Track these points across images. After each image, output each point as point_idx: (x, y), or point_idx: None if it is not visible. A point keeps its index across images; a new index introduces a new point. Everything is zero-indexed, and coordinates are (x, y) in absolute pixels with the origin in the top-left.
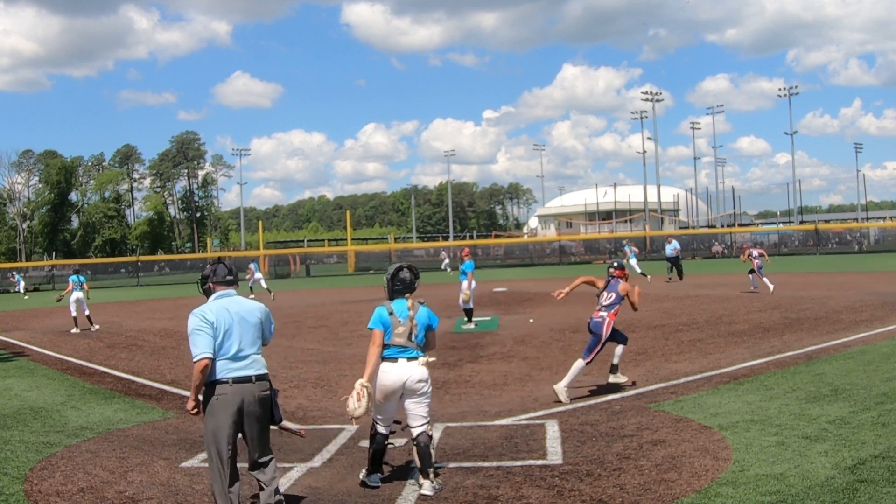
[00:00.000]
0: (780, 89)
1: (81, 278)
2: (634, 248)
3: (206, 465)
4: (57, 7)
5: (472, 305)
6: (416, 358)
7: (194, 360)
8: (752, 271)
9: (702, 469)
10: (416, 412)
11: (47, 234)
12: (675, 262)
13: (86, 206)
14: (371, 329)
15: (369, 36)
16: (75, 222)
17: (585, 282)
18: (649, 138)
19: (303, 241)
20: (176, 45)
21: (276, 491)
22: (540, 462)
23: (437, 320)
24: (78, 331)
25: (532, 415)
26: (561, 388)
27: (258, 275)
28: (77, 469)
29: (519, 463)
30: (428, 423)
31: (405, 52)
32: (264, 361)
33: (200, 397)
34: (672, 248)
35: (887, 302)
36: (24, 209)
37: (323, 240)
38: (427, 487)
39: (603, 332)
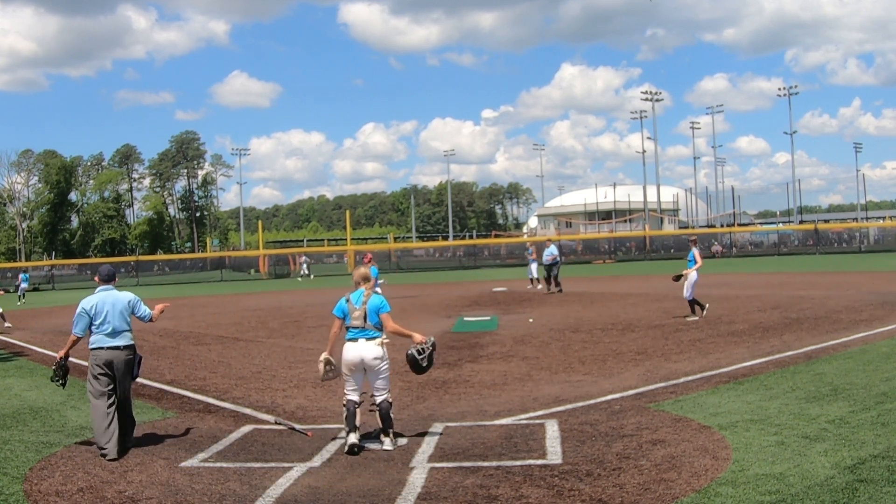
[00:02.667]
0: (779, 89)
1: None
2: (533, 256)
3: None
4: (55, 7)
5: None
6: (374, 338)
7: (72, 334)
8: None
9: (701, 469)
10: (377, 385)
11: (47, 234)
12: (548, 268)
13: (85, 205)
14: (334, 315)
15: (367, 35)
16: (75, 222)
17: None
18: (649, 138)
19: (302, 240)
20: (174, 45)
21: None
22: (539, 462)
23: (389, 308)
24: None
25: (532, 414)
26: None
27: (24, 285)
28: (77, 469)
29: (518, 463)
30: (388, 392)
31: (403, 51)
32: (131, 336)
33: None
34: (549, 253)
35: (887, 302)
36: (24, 209)
37: (322, 240)
38: (387, 443)
39: None
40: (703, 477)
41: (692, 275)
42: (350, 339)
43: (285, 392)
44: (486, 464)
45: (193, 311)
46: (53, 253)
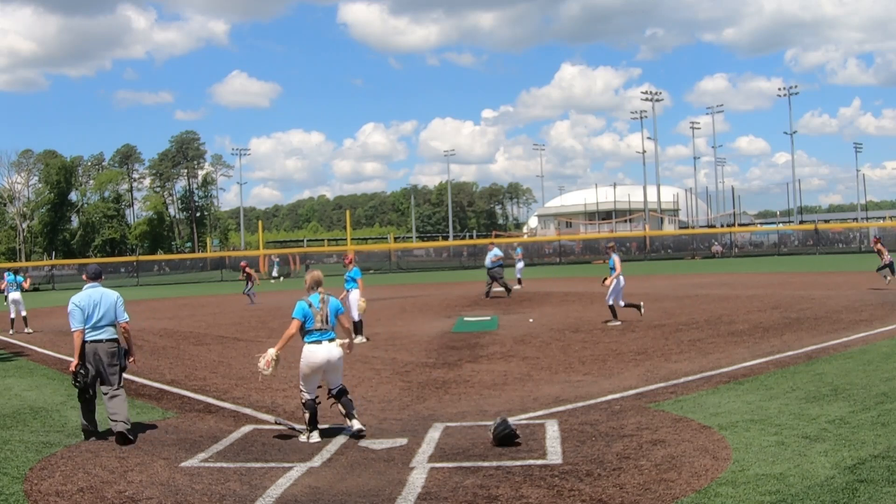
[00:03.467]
0: (779, 89)
1: (20, 278)
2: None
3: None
4: (54, 6)
5: (358, 318)
6: (333, 339)
7: (72, 331)
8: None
9: (701, 469)
10: (336, 379)
11: (47, 234)
12: (491, 273)
13: (86, 205)
14: (294, 318)
15: (366, 35)
16: (75, 222)
17: None
18: (649, 138)
19: (302, 240)
20: (173, 45)
21: (124, 418)
22: (540, 462)
23: (343, 308)
24: (12, 332)
25: (532, 415)
26: None
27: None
28: (77, 469)
29: (519, 463)
30: (342, 384)
31: (402, 51)
32: (114, 330)
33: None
34: (492, 255)
35: (887, 302)
36: (24, 209)
37: (322, 240)
38: (356, 424)
39: None
40: (703, 477)
41: (616, 280)
42: (313, 342)
43: (285, 392)
44: (486, 464)
45: (193, 311)
46: (53, 253)
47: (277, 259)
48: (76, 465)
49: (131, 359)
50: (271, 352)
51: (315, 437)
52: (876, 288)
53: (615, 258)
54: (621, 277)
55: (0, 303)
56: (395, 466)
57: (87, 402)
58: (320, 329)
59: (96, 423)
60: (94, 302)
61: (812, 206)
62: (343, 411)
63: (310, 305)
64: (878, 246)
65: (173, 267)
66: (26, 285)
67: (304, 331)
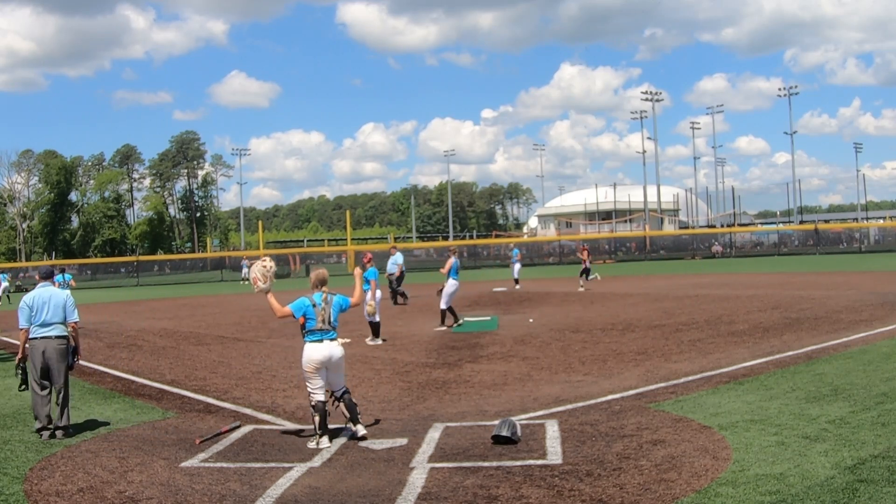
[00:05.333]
0: (779, 89)
1: (67, 276)
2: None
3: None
4: (53, 6)
5: (378, 318)
6: (334, 339)
7: (19, 328)
8: None
9: (702, 469)
10: (338, 381)
11: (47, 234)
12: (393, 282)
13: (86, 205)
14: (288, 307)
15: (365, 35)
16: (75, 222)
17: None
18: (649, 138)
19: (302, 241)
20: (172, 45)
21: (65, 417)
22: (540, 462)
23: (348, 302)
24: None
25: (532, 415)
26: None
27: (5, 284)
28: (77, 469)
29: (519, 463)
30: (345, 385)
31: (401, 51)
32: (63, 328)
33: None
34: (393, 262)
35: (887, 302)
36: (24, 209)
37: (322, 240)
38: (361, 430)
39: None
40: (703, 477)
41: (451, 283)
42: (315, 341)
43: (285, 392)
44: (486, 464)
45: (193, 311)
46: (54, 253)
47: (246, 261)
48: (76, 465)
49: (77, 357)
50: (267, 289)
51: (325, 442)
52: (876, 289)
53: (452, 261)
54: (455, 282)
55: (4, 303)
56: (395, 466)
57: (42, 397)
58: (321, 329)
59: (50, 418)
60: (44, 300)
61: (812, 206)
62: (347, 415)
63: (313, 305)
64: (585, 254)
65: (174, 267)
66: (73, 283)
67: (304, 330)
